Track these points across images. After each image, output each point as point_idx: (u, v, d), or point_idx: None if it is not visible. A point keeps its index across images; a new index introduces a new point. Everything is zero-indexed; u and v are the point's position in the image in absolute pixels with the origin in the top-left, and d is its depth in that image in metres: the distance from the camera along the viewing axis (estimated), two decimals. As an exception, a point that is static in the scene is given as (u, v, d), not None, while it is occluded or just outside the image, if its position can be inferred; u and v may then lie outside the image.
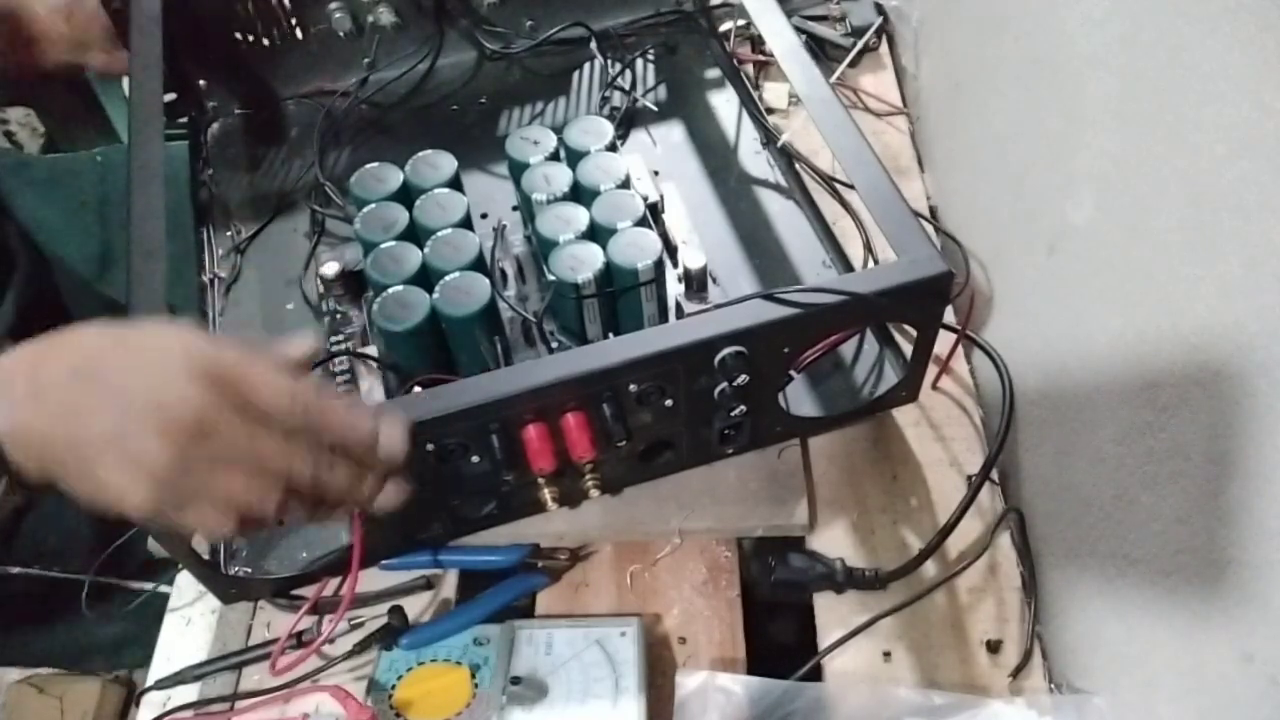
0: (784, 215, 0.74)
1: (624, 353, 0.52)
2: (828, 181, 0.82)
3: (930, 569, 0.67)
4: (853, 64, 0.99)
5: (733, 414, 0.57)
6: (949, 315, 0.81)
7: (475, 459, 0.54)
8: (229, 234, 0.76)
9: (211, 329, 0.70)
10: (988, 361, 0.73)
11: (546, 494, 0.58)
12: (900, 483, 0.71)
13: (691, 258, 0.64)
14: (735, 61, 0.82)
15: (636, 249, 0.62)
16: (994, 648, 0.64)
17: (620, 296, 0.62)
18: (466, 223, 0.65)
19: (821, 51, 0.99)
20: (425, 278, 0.62)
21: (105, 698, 1.13)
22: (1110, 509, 0.57)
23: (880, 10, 1.00)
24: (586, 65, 0.86)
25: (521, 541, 0.67)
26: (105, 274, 0.81)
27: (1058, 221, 0.63)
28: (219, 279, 0.73)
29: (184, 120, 0.83)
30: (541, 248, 0.64)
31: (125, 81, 1.10)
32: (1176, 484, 0.50)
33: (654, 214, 0.68)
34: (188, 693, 0.65)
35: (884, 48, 1.01)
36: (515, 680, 0.59)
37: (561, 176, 0.67)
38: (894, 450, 0.72)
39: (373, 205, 0.66)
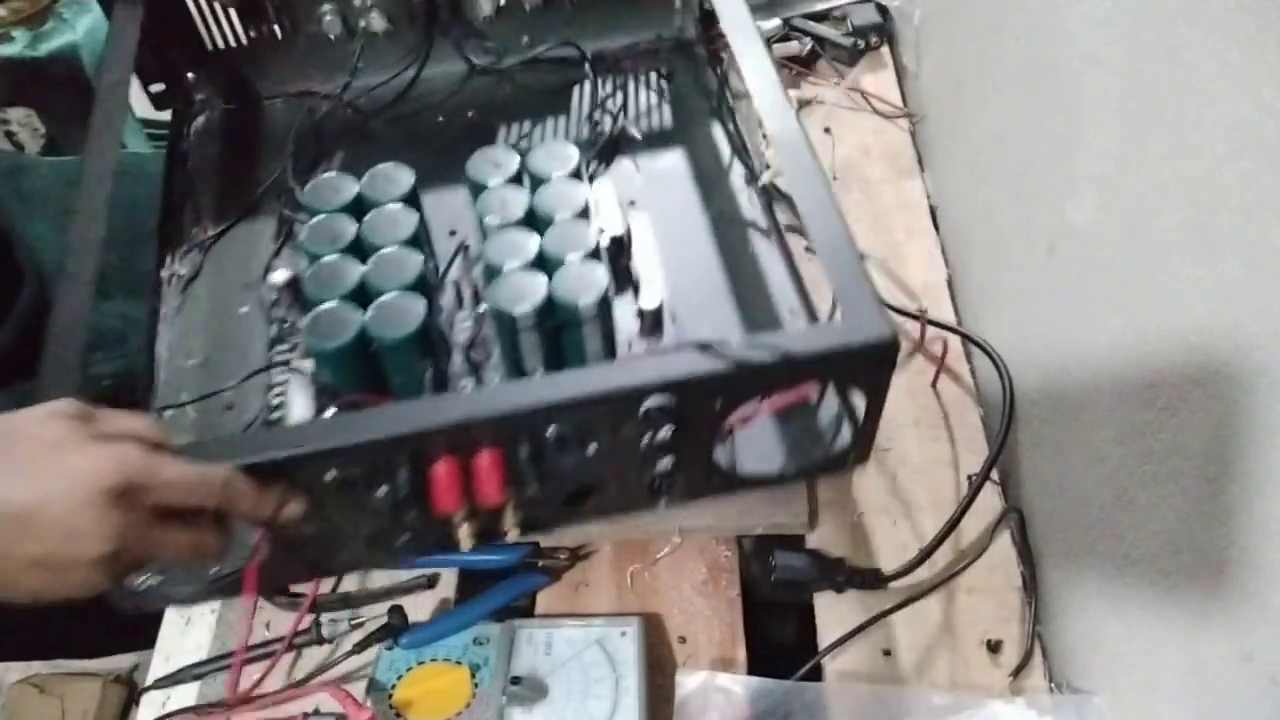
0: (760, 257, 0.70)
1: (540, 395, 0.49)
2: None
3: (930, 569, 0.67)
4: (853, 64, 0.99)
5: (662, 466, 0.54)
6: (948, 313, 0.81)
7: (380, 493, 0.51)
8: (196, 230, 0.74)
9: (163, 327, 0.67)
10: (988, 361, 0.73)
11: (463, 530, 0.54)
12: (900, 483, 0.71)
13: (647, 297, 0.62)
14: (730, 93, 0.78)
15: (581, 283, 0.59)
16: (994, 648, 0.64)
17: (562, 331, 0.60)
18: (415, 241, 0.63)
19: (822, 51, 0.99)
20: (365, 295, 0.59)
21: (105, 698, 1.13)
22: (1110, 509, 0.57)
23: (882, 10, 1.00)
24: (578, 85, 0.83)
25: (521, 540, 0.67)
26: (99, 301, 0.80)
27: (1058, 221, 0.63)
28: (178, 276, 0.71)
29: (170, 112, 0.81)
30: (486, 274, 0.61)
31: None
32: (1176, 484, 0.50)
33: (619, 247, 0.65)
34: (187, 692, 0.65)
35: (885, 47, 1.01)
36: (515, 680, 0.59)
37: (517, 201, 0.64)
38: (894, 450, 0.73)
39: (322, 216, 0.64)
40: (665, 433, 0.51)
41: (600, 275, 0.59)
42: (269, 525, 0.48)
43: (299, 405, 0.60)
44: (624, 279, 0.65)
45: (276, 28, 0.79)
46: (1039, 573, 0.67)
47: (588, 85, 0.82)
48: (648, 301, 0.62)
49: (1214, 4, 0.45)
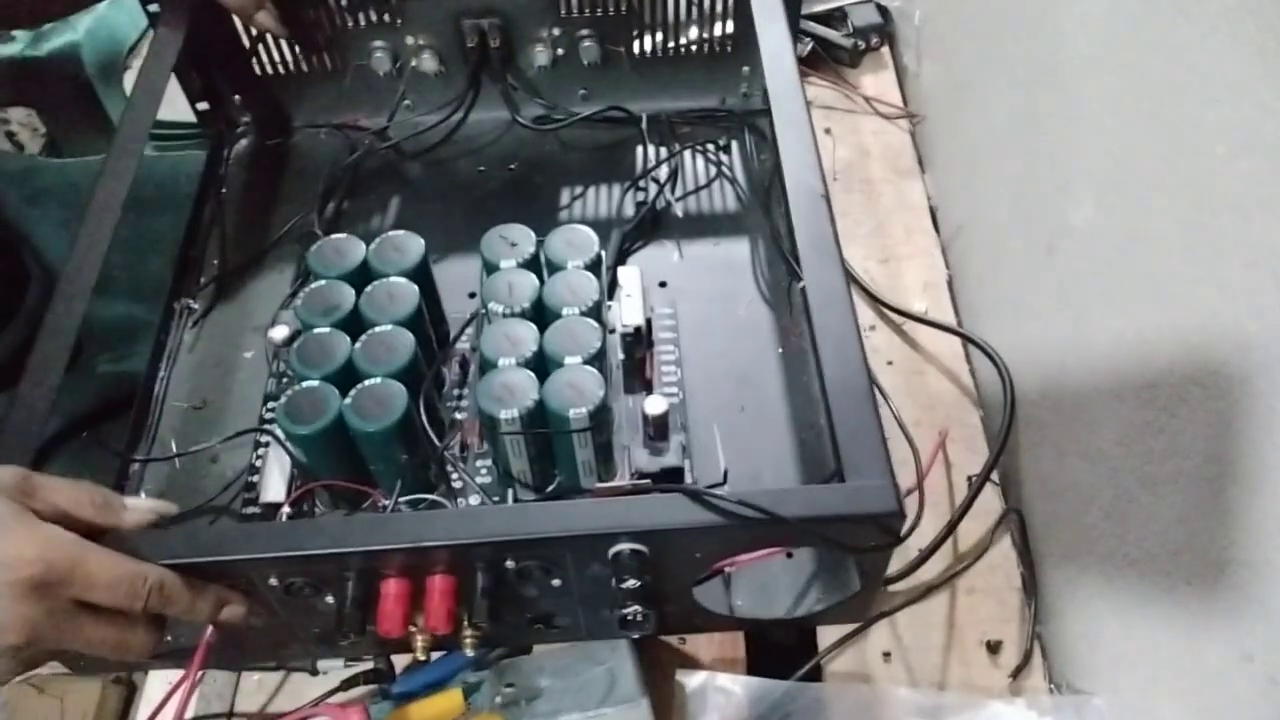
0: (790, 365, 0.64)
1: (497, 529, 0.47)
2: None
3: (930, 569, 0.67)
4: (854, 65, 0.99)
5: (634, 607, 0.50)
6: (948, 314, 0.81)
7: (327, 600, 0.49)
8: (216, 261, 0.71)
9: (166, 364, 0.65)
10: (987, 362, 0.73)
11: (418, 641, 0.51)
12: (900, 484, 0.71)
13: (652, 403, 0.57)
14: (784, 177, 0.66)
15: (575, 392, 0.54)
16: (994, 648, 0.64)
17: (552, 437, 0.56)
18: (414, 320, 0.59)
19: (823, 52, 0.99)
20: (350, 376, 0.56)
21: (105, 698, 1.12)
22: (1110, 509, 0.57)
23: (882, 11, 1.00)
24: (628, 146, 0.78)
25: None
26: (101, 301, 0.79)
27: (1057, 221, 0.63)
28: (190, 309, 0.68)
29: (210, 132, 0.79)
30: (481, 366, 0.58)
31: (127, 83, 1.10)
32: (1176, 484, 0.50)
33: (637, 337, 0.62)
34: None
35: (885, 48, 1.01)
36: (509, 684, 0.59)
37: (525, 290, 0.60)
38: (894, 453, 0.72)
39: (321, 283, 0.60)
40: (635, 583, 0.48)
41: (594, 385, 0.54)
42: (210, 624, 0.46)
43: (274, 477, 0.58)
44: (637, 373, 0.62)
45: (327, 58, 0.76)
46: (1039, 573, 0.67)
47: (637, 149, 0.77)
48: (654, 407, 0.57)
49: (1212, 4, 0.45)
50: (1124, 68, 0.54)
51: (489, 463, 0.60)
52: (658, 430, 0.58)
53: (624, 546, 0.47)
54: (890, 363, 0.78)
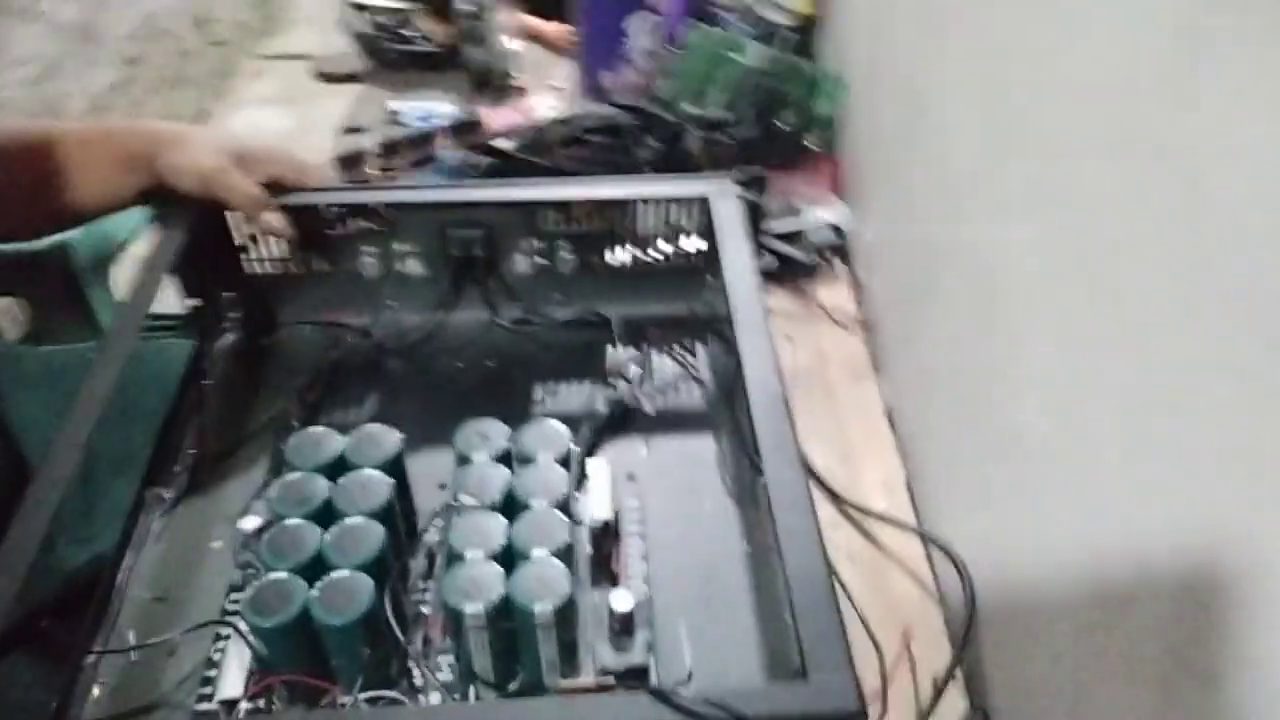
0: (755, 560, 0.65)
1: None
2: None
3: (898, 775, 0.65)
4: (811, 277, 1.06)
5: None
6: (908, 513, 0.83)
7: None
8: (192, 451, 0.71)
9: (132, 553, 0.63)
10: (949, 562, 0.74)
11: None
12: (865, 687, 0.71)
13: (621, 597, 0.58)
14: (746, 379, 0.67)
15: (541, 586, 0.55)
16: None
17: (517, 633, 0.56)
18: (385, 513, 0.60)
19: (786, 266, 1.05)
20: (319, 567, 0.57)
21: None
22: (1073, 707, 0.57)
23: (837, 230, 1.08)
24: (600, 348, 0.80)
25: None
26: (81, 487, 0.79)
27: (1006, 429, 0.66)
28: (162, 498, 0.68)
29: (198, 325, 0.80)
30: (448, 559, 0.59)
31: (112, 275, 1.14)
32: (1131, 682, 0.51)
33: (604, 531, 0.64)
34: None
35: (841, 263, 1.08)
36: None
37: (495, 483, 0.61)
38: (859, 650, 0.72)
39: (296, 474, 0.62)
40: None
41: (561, 579, 0.55)
42: None
43: (232, 673, 0.57)
44: (603, 568, 0.64)
45: (315, 261, 0.81)
46: (1008, 779, 0.66)
47: (609, 350, 0.81)
48: (620, 603, 0.58)
49: (1139, 221, 0.50)
50: (1057, 299, 0.59)
51: (451, 659, 0.59)
52: (624, 626, 0.58)
53: None
54: (852, 560, 0.79)
